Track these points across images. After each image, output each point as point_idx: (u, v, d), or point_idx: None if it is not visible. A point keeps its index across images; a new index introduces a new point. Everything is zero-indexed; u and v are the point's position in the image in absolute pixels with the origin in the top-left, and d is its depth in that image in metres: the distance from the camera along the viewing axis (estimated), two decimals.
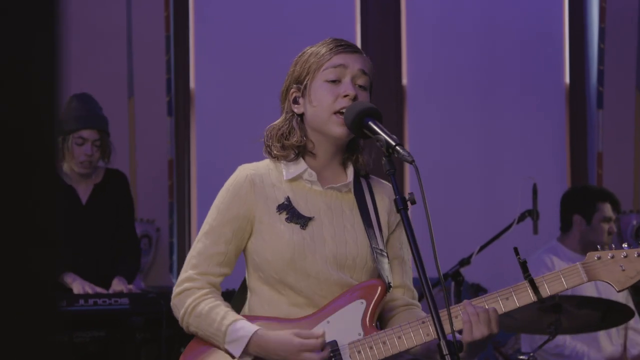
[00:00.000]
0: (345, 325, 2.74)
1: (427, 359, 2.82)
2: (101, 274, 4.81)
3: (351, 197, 2.86)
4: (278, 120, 2.90)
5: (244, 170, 2.85)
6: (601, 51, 6.98)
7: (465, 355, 2.69)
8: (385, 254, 2.83)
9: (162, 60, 6.70)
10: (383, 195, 2.90)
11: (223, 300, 2.82)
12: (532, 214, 5.28)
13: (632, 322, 5.24)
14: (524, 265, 2.75)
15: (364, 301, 2.75)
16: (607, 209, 5.53)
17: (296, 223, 2.78)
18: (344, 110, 2.74)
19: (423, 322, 2.71)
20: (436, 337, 2.44)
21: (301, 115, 2.85)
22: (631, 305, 5.39)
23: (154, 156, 6.70)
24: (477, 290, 6.11)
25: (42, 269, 0.76)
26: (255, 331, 2.70)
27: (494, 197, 6.99)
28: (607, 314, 4.62)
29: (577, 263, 2.80)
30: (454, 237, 6.35)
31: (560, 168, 7.14)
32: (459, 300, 4.99)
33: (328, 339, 2.74)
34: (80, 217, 4.90)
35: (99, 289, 4.64)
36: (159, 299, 4.46)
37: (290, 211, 2.79)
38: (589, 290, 5.24)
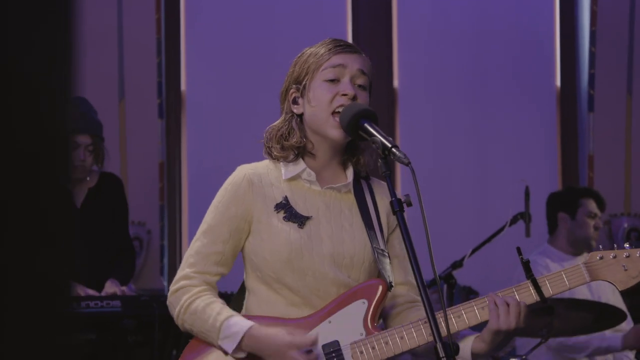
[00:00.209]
0: (347, 325, 2.74)
1: (428, 356, 2.81)
2: (95, 277, 4.79)
3: (351, 198, 2.86)
4: (277, 121, 2.90)
5: (243, 170, 2.85)
6: (592, 54, 6.99)
7: (485, 348, 2.68)
8: (387, 254, 2.83)
9: (153, 62, 6.69)
10: (383, 196, 2.90)
11: (219, 298, 2.82)
12: (524, 216, 5.29)
13: (623, 325, 5.23)
14: (526, 265, 2.75)
15: (365, 301, 2.75)
16: (591, 205, 5.54)
17: (294, 222, 2.78)
18: (340, 110, 2.74)
19: (425, 322, 2.70)
20: (440, 339, 2.43)
21: (300, 116, 2.85)
22: (623, 307, 5.40)
23: (144, 159, 6.69)
24: (469, 293, 6.10)
25: (53, 270, 0.75)
26: (250, 327, 2.70)
27: (486, 199, 6.99)
28: (599, 317, 4.63)
29: (580, 263, 2.80)
30: (446, 240, 6.35)
31: (552, 171, 7.15)
32: (451, 303, 4.99)
33: (330, 338, 2.73)
34: (75, 220, 4.88)
35: (91, 292, 4.62)
36: (151, 302, 4.44)
37: (288, 210, 2.79)
38: (582, 290, 5.24)
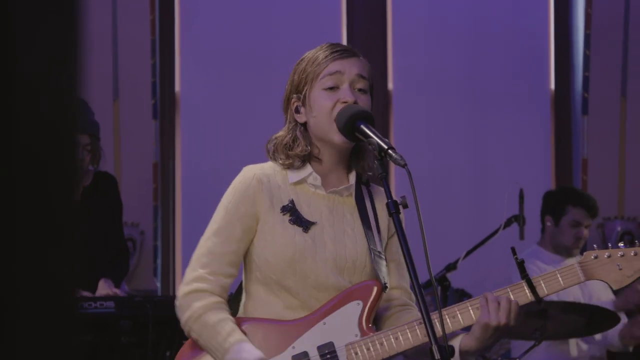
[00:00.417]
0: (341, 326, 2.74)
1: (419, 357, 2.81)
2: (89, 278, 4.78)
3: (352, 201, 2.86)
4: (281, 131, 2.89)
5: (251, 170, 2.84)
6: (586, 57, 6.99)
7: (475, 345, 2.68)
8: (384, 257, 2.83)
9: (147, 63, 6.69)
10: (383, 201, 2.89)
11: (230, 314, 2.79)
12: (518, 219, 5.29)
13: (619, 327, 5.23)
14: (521, 265, 2.75)
15: (360, 302, 2.75)
16: (578, 214, 5.52)
17: (299, 226, 2.77)
18: None
19: (420, 323, 2.70)
20: (435, 342, 2.43)
21: (304, 124, 2.84)
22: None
23: (138, 159, 6.68)
24: (462, 296, 6.11)
25: (62, 270, 0.75)
26: (259, 357, 2.67)
27: (480, 202, 7.00)
28: (592, 320, 4.63)
29: (575, 262, 2.80)
30: (440, 242, 6.35)
31: (546, 174, 7.15)
32: (445, 305, 4.99)
33: (325, 340, 2.73)
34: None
35: (84, 292, 4.61)
36: (145, 303, 4.43)
37: (294, 214, 2.78)
38: (574, 289, 5.25)
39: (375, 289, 2.76)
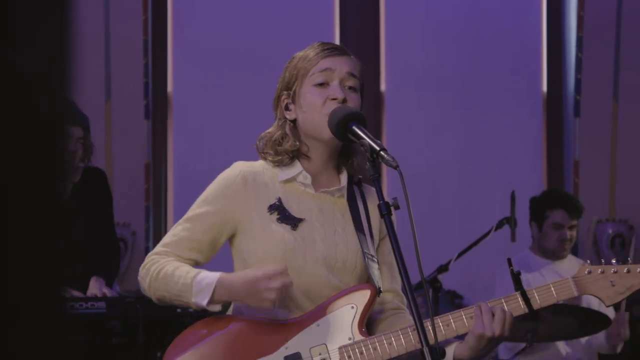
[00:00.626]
0: (335, 329, 2.74)
1: None
2: (80, 276, 4.77)
3: (344, 203, 2.86)
4: (271, 128, 2.90)
5: (238, 167, 2.84)
6: (579, 60, 7.00)
7: (468, 354, 2.69)
8: (376, 260, 2.83)
9: (139, 63, 6.68)
10: (376, 203, 2.89)
11: (186, 263, 2.80)
12: (509, 221, 5.29)
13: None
14: (516, 277, 2.77)
15: (354, 306, 2.75)
16: (558, 215, 5.53)
17: (287, 224, 2.77)
18: None
19: (414, 329, 2.70)
20: (427, 344, 2.43)
21: (294, 121, 2.85)
22: (611, 312, 5.41)
23: (130, 159, 6.68)
24: (454, 297, 6.11)
25: (53, 269, 0.75)
26: (219, 276, 2.68)
27: (472, 204, 7.00)
28: (584, 322, 4.63)
29: (569, 277, 2.82)
30: (432, 244, 6.35)
31: (538, 176, 7.16)
32: (436, 307, 5.00)
33: (317, 342, 2.73)
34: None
35: (75, 292, 4.60)
36: (136, 303, 4.43)
37: (281, 212, 2.79)
38: None
39: (369, 293, 2.76)
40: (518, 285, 2.76)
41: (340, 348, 2.73)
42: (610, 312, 5.39)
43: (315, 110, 2.77)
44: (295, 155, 2.83)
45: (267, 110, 2.98)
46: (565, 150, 7.16)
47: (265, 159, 2.86)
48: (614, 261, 2.85)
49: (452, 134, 7.12)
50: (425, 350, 2.39)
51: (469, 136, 7.12)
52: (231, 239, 2.85)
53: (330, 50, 2.83)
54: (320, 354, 2.72)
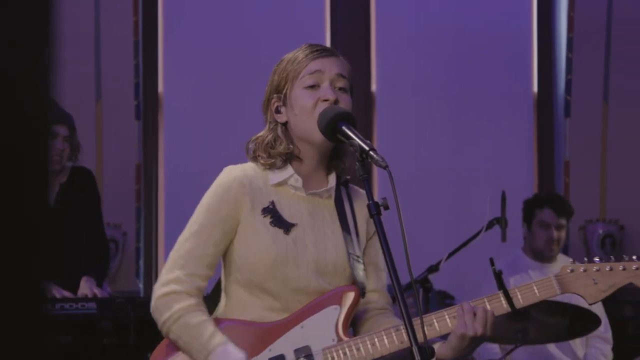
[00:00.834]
0: (319, 330, 2.74)
1: None
2: (71, 275, 4.77)
3: (331, 203, 2.86)
4: (262, 131, 2.89)
5: (232, 172, 2.83)
6: (569, 60, 7.02)
7: (451, 354, 2.69)
8: (362, 261, 2.84)
9: (130, 64, 6.68)
10: (362, 203, 2.90)
11: (209, 315, 2.79)
12: (500, 221, 5.30)
13: (602, 329, 5.25)
14: (498, 276, 2.78)
15: (338, 307, 2.75)
16: (545, 214, 5.56)
17: (280, 228, 2.77)
18: None
19: (397, 330, 2.71)
20: (409, 343, 2.44)
21: (285, 124, 2.84)
22: (601, 312, 5.43)
23: (121, 160, 6.67)
24: (444, 298, 6.12)
25: (35, 270, 0.75)
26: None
27: (463, 204, 7.01)
28: (574, 322, 4.64)
29: (551, 275, 2.84)
30: (422, 244, 6.36)
31: (528, 176, 7.17)
32: (426, 307, 5.00)
33: (301, 343, 2.73)
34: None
35: (66, 293, 4.60)
36: (127, 304, 4.43)
37: (274, 215, 2.78)
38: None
39: (353, 294, 2.76)
40: (500, 284, 2.78)
41: (324, 349, 2.73)
42: (600, 312, 5.41)
43: (306, 112, 2.77)
44: (288, 158, 2.83)
45: (257, 112, 2.98)
46: (556, 150, 7.18)
47: (256, 162, 2.85)
48: (596, 259, 2.86)
49: (443, 134, 7.13)
50: (415, 349, 2.39)
51: (460, 136, 7.13)
52: None
53: (319, 52, 2.84)
54: (304, 356, 2.72)
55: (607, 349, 5.55)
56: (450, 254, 5.15)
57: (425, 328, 2.70)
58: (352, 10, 7.09)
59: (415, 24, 7.18)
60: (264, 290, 2.76)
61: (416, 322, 2.48)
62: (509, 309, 2.77)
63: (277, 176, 2.83)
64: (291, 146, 2.82)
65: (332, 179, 2.86)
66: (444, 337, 2.76)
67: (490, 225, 5.28)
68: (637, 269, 2.83)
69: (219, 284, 2.94)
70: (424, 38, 7.16)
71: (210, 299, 2.95)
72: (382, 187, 6.87)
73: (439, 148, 7.10)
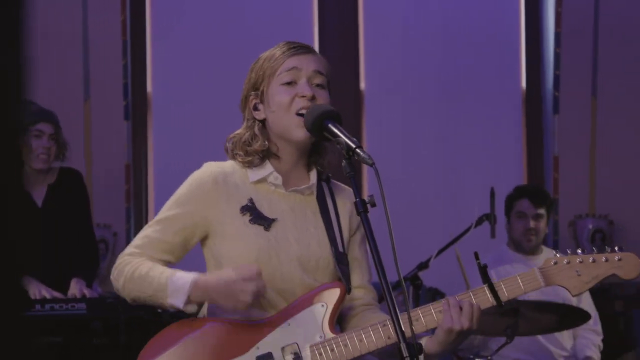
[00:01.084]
0: (306, 327, 2.75)
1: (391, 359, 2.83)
2: (60, 277, 4.77)
3: (313, 200, 2.86)
4: (240, 129, 2.90)
5: (209, 168, 2.84)
6: (557, 56, 7.03)
7: (438, 349, 2.70)
8: (346, 257, 2.84)
9: (118, 64, 6.67)
10: (345, 199, 2.91)
11: (160, 264, 2.81)
12: (489, 217, 5.31)
13: (591, 322, 5.26)
14: (483, 270, 2.79)
15: (324, 304, 2.76)
16: (520, 204, 5.58)
17: (260, 224, 2.78)
18: (303, 112, 2.74)
19: (384, 325, 2.72)
20: (397, 340, 2.44)
21: (262, 121, 2.85)
22: (591, 307, 5.44)
23: (110, 160, 6.66)
24: (435, 294, 6.12)
25: (9, 272, 0.75)
26: (195, 277, 2.69)
27: (452, 200, 7.02)
28: (564, 317, 4.65)
29: (535, 268, 2.86)
30: (412, 241, 6.37)
31: (517, 172, 7.18)
32: (417, 304, 5.00)
33: (289, 341, 2.74)
34: (37, 220, 4.86)
35: (56, 293, 4.59)
36: (117, 304, 4.42)
37: (253, 213, 2.79)
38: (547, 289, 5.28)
39: (339, 291, 2.77)
40: (485, 278, 2.79)
41: (311, 346, 2.74)
42: (591, 307, 5.43)
43: (283, 109, 2.78)
44: (266, 155, 2.84)
45: None
46: (545, 146, 7.19)
47: (235, 159, 2.86)
48: (579, 251, 2.88)
49: (432, 131, 7.14)
50: (403, 346, 2.40)
51: (449, 133, 7.14)
52: (203, 240, 2.85)
53: (296, 49, 2.84)
54: (291, 353, 2.73)
55: (597, 339, 5.56)
56: (440, 251, 5.16)
57: (412, 322, 2.71)
58: (340, 8, 7.09)
59: (403, 21, 7.19)
60: None
61: (403, 317, 2.49)
62: (494, 303, 2.78)
63: (256, 174, 2.83)
64: (267, 143, 2.82)
65: (313, 175, 2.87)
66: (431, 332, 2.77)
67: (479, 221, 5.29)
68: (619, 260, 2.86)
69: None
70: (412, 35, 7.17)
71: None
72: (372, 184, 6.88)
73: (428, 145, 7.11)
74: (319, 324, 2.76)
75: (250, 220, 2.78)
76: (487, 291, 2.79)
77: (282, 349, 2.74)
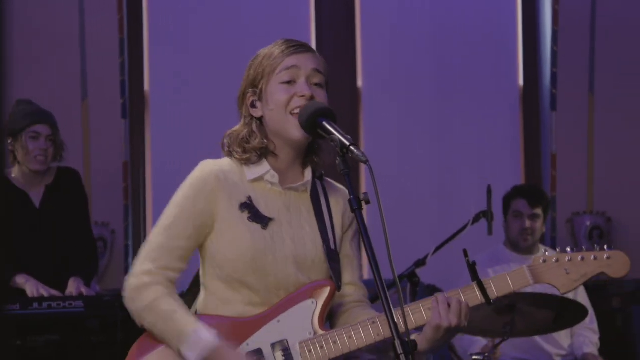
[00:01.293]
0: (295, 324, 2.76)
1: (381, 355, 2.84)
2: (59, 277, 4.77)
3: (307, 197, 2.87)
4: (237, 126, 2.90)
5: (208, 166, 2.84)
6: (554, 53, 7.03)
7: (426, 346, 2.71)
8: (337, 254, 2.85)
9: (115, 62, 6.67)
10: (338, 197, 2.92)
11: (182, 302, 2.80)
12: (486, 215, 5.30)
13: (587, 321, 5.27)
14: (472, 267, 2.80)
15: (314, 301, 2.77)
16: (517, 204, 5.62)
17: (257, 223, 2.78)
18: (298, 111, 2.75)
19: (373, 322, 2.73)
20: (386, 336, 2.45)
21: (260, 119, 2.85)
22: (587, 304, 5.44)
23: (108, 158, 6.66)
24: (433, 291, 6.12)
25: None
26: (220, 342, 2.68)
27: (449, 198, 7.02)
28: (561, 314, 4.65)
29: (524, 265, 2.87)
30: (409, 238, 6.37)
31: (515, 169, 7.18)
32: (414, 301, 5.00)
33: (278, 337, 2.75)
34: (35, 221, 4.87)
35: (53, 292, 4.60)
36: (114, 302, 4.43)
37: (252, 211, 2.79)
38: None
39: (329, 288, 2.78)
40: (474, 275, 2.80)
41: (300, 343, 2.75)
42: (587, 305, 5.43)
43: (281, 107, 2.78)
44: (263, 153, 2.83)
45: None
46: (543, 143, 7.19)
47: (231, 156, 2.86)
48: (568, 249, 2.89)
49: (429, 128, 7.13)
50: (397, 343, 2.41)
51: (446, 130, 7.14)
52: None
53: (295, 47, 2.84)
54: (281, 350, 2.74)
55: (595, 337, 5.57)
56: (437, 248, 5.16)
57: (401, 320, 2.72)
58: (337, 6, 7.09)
59: (400, 19, 7.19)
60: (244, 285, 2.76)
61: (396, 314, 2.50)
62: (483, 300, 2.79)
63: (253, 172, 2.83)
64: (265, 141, 2.82)
65: (308, 173, 2.87)
66: (420, 329, 2.78)
67: (476, 218, 5.29)
68: (608, 258, 2.87)
69: (196, 277, 2.94)
70: (409, 33, 7.17)
71: (188, 293, 2.96)
72: (369, 182, 6.87)
73: (425, 142, 7.11)
74: (308, 320, 2.76)
75: (249, 218, 2.79)
76: (476, 289, 2.80)
77: (272, 345, 2.75)
